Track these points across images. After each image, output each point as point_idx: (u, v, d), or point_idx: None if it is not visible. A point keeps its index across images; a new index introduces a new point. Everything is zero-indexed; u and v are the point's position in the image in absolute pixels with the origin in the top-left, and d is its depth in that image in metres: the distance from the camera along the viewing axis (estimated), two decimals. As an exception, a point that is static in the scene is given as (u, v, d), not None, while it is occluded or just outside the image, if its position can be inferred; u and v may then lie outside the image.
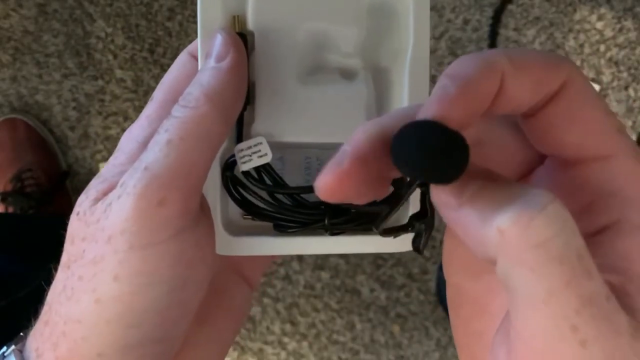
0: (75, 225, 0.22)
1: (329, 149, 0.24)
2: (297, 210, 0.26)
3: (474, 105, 0.16)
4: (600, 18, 0.90)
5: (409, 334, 0.93)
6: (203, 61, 0.25)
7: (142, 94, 0.91)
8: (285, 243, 0.26)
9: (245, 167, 0.25)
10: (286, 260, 0.93)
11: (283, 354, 0.94)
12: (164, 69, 0.91)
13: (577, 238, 0.15)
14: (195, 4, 0.92)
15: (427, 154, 0.15)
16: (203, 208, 0.24)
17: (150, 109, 0.25)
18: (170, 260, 0.21)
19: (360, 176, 0.17)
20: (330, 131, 0.26)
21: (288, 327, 0.94)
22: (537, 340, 0.15)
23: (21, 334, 0.24)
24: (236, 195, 0.26)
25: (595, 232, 0.17)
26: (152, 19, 0.90)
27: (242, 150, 0.25)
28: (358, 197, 0.17)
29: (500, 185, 0.16)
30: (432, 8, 0.90)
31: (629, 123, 0.91)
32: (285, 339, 0.94)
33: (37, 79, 0.90)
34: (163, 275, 0.21)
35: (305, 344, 0.94)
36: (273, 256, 0.28)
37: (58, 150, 0.89)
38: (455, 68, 0.16)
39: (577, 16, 0.90)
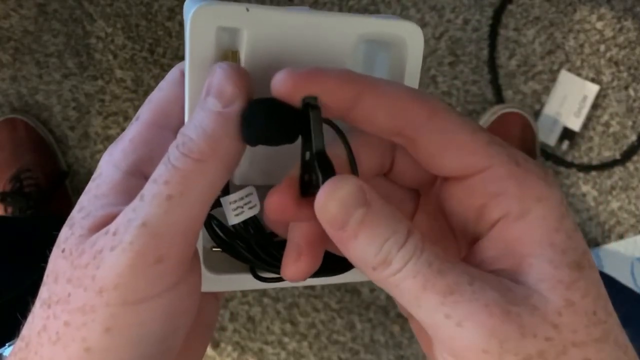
0: (60, 264, 0.21)
1: None
2: (274, 264, 0.25)
3: (316, 90, 0.20)
4: (600, 18, 0.90)
5: (409, 333, 0.93)
6: (193, 96, 0.23)
7: (142, 94, 0.91)
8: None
9: (236, 220, 0.24)
10: (286, 260, 0.93)
11: (283, 354, 0.94)
12: (164, 69, 0.91)
13: (427, 252, 0.19)
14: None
15: (270, 118, 0.20)
16: (195, 254, 0.23)
17: (135, 131, 0.24)
18: (164, 313, 0.21)
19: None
20: None
21: (288, 327, 0.94)
22: (429, 331, 0.20)
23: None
24: (216, 236, 0.25)
25: (490, 228, 0.21)
26: (152, 19, 0.90)
27: (234, 201, 0.24)
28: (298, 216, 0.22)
29: (378, 222, 0.19)
30: (432, 8, 0.90)
31: (629, 123, 0.92)
32: (285, 339, 0.94)
33: (37, 79, 0.90)
34: (156, 328, 0.21)
35: (305, 344, 0.94)
36: None
37: (58, 150, 0.89)
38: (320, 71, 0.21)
39: (577, 16, 0.90)
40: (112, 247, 0.20)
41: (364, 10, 0.90)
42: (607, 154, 0.92)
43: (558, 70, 0.91)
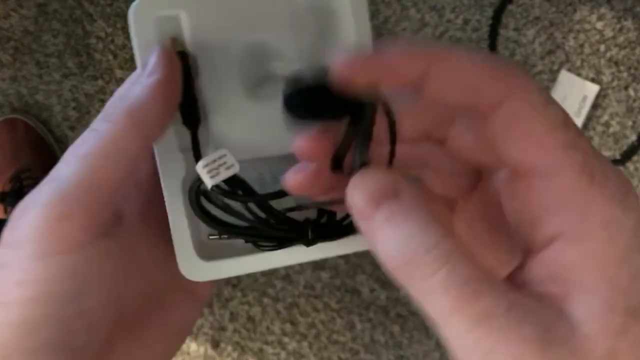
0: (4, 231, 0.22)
1: (285, 161, 0.24)
2: (278, 227, 0.25)
3: (376, 73, 0.18)
4: (600, 18, 0.90)
5: (409, 333, 0.93)
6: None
7: (142, 94, 0.91)
8: (258, 259, 0.26)
9: (214, 181, 0.24)
10: (286, 260, 0.93)
11: (283, 354, 0.94)
12: (164, 69, 0.91)
13: (463, 266, 0.17)
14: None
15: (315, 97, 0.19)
16: (125, 222, 0.24)
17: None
18: (69, 271, 0.21)
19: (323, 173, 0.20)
20: (285, 141, 0.24)
21: (288, 327, 0.94)
22: (455, 352, 0.17)
23: None
24: (207, 216, 0.25)
25: (544, 243, 0.18)
26: (152, 19, 0.90)
27: (207, 165, 0.24)
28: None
29: (407, 218, 0.18)
30: (432, 8, 0.90)
31: (629, 123, 0.92)
32: (286, 339, 0.94)
33: (37, 79, 0.90)
34: (62, 286, 0.21)
35: (305, 344, 0.94)
36: None
37: (58, 150, 0.89)
38: (387, 46, 0.19)
39: (577, 16, 0.90)
40: (29, 204, 0.21)
41: (364, 10, 0.90)
42: (607, 154, 0.92)
43: (558, 70, 0.91)
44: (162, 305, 0.26)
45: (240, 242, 0.26)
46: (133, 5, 0.24)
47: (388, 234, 0.18)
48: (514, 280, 0.19)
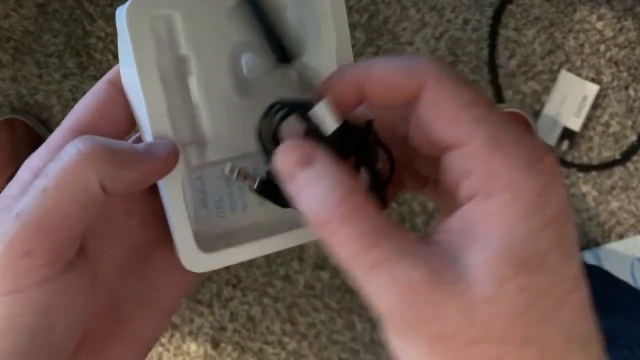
0: None
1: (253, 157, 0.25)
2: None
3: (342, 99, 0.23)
4: (600, 18, 0.90)
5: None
6: (149, 92, 0.24)
7: (142, 94, 0.91)
8: (252, 247, 0.26)
9: (334, 125, 0.23)
10: (286, 259, 0.93)
11: (283, 354, 0.94)
12: (164, 69, 0.91)
13: (363, 221, 0.19)
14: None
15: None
16: (84, 252, 0.23)
17: (54, 137, 0.25)
18: (32, 307, 0.21)
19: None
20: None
21: (288, 327, 0.94)
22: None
23: None
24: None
25: (464, 203, 0.21)
26: (152, 19, 0.90)
27: (315, 114, 0.23)
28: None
29: (318, 181, 0.20)
30: (432, 8, 0.90)
31: (629, 123, 0.92)
32: (286, 339, 0.94)
33: (37, 79, 0.90)
34: (24, 322, 0.21)
35: (305, 344, 0.94)
36: (194, 279, 0.28)
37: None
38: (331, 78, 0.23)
39: (577, 16, 0.90)
40: None
41: (364, 10, 0.90)
42: (607, 154, 0.92)
43: (558, 70, 0.91)
44: (123, 324, 0.26)
45: (234, 232, 0.27)
46: (125, 6, 0.24)
47: (306, 196, 0.20)
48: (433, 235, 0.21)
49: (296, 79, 0.27)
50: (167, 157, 0.24)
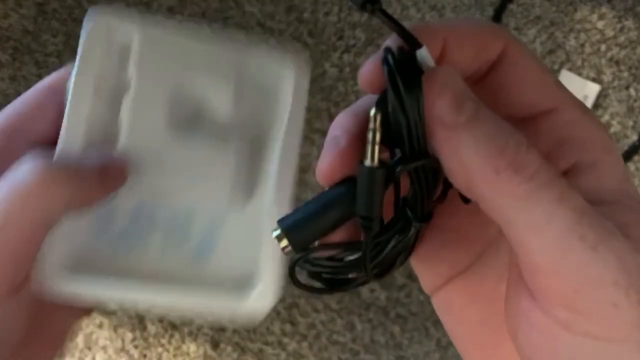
0: None
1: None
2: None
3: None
4: (601, 17, 0.90)
5: (409, 334, 0.93)
6: (76, 102, 0.24)
7: (141, 93, 0.91)
8: (129, 286, 0.25)
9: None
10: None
11: (283, 355, 0.94)
12: (164, 68, 0.91)
13: (551, 165, 0.17)
14: (195, 3, 0.92)
15: None
16: (22, 286, 0.23)
17: None
18: None
19: (356, 154, 0.19)
20: (197, 188, 0.25)
21: (288, 327, 0.94)
22: (551, 260, 0.16)
23: None
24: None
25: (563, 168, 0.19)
26: (152, 19, 0.90)
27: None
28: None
29: (493, 117, 0.17)
30: (433, 7, 0.90)
31: (630, 123, 0.91)
32: (285, 340, 0.94)
33: (36, 78, 0.90)
34: None
35: (305, 344, 0.94)
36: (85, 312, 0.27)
37: (57, 150, 0.89)
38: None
39: (577, 15, 0.90)
40: None
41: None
42: (608, 154, 0.92)
43: (559, 70, 0.91)
44: (47, 322, 0.26)
45: (117, 266, 0.26)
46: (88, 22, 0.24)
47: (480, 133, 0.17)
48: None
49: (235, 141, 0.26)
50: (123, 175, 0.23)
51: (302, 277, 0.22)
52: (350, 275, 0.21)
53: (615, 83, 0.91)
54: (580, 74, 0.91)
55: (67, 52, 0.90)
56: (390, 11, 0.90)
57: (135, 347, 0.93)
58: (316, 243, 0.21)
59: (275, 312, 0.94)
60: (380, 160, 0.18)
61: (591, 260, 0.16)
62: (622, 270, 0.16)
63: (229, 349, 0.94)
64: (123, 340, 0.93)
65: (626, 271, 0.16)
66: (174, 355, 0.95)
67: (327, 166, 0.19)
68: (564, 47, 0.91)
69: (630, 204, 0.18)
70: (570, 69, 0.91)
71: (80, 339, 0.93)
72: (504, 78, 0.20)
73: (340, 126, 0.19)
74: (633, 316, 0.16)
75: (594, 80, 0.90)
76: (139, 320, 0.93)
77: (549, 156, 0.19)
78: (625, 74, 0.91)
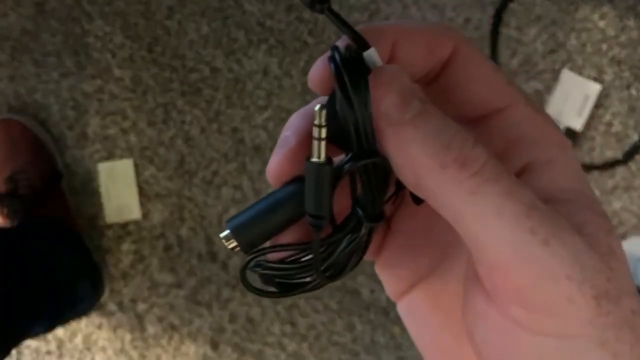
0: None
1: None
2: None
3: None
4: (602, 17, 0.90)
5: (409, 335, 0.93)
6: None
7: (140, 93, 0.90)
8: None
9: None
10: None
11: (283, 356, 0.94)
12: (163, 67, 0.90)
13: (499, 161, 0.17)
14: (195, 3, 0.91)
15: None
16: None
17: None
18: None
19: (305, 153, 0.18)
20: None
21: (288, 328, 0.94)
22: (502, 254, 0.16)
23: None
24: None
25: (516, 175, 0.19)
26: (151, 18, 0.90)
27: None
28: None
29: (439, 114, 0.17)
30: (434, 7, 0.90)
31: (631, 122, 0.91)
32: (285, 340, 0.94)
33: (35, 78, 0.90)
34: None
35: (305, 345, 0.94)
36: None
37: (55, 150, 0.89)
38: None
39: (579, 15, 0.90)
40: None
41: (364, 9, 0.90)
42: (609, 154, 0.91)
43: (560, 70, 0.90)
44: None
45: None
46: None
47: (426, 130, 0.17)
48: None
49: None
50: None
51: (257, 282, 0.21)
52: (304, 279, 0.21)
53: (617, 82, 0.91)
54: (581, 74, 0.90)
55: (65, 52, 0.90)
56: (390, 11, 0.90)
57: (135, 348, 0.93)
58: (267, 244, 0.20)
59: (275, 313, 0.93)
60: (327, 157, 0.18)
61: (543, 254, 0.16)
62: (575, 265, 0.16)
63: (229, 349, 0.94)
64: (122, 341, 0.93)
65: (579, 266, 0.16)
66: (173, 356, 0.94)
67: (276, 165, 0.19)
68: (565, 47, 0.90)
69: (584, 201, 0.18)
70: (571, 69, 0.90)
71: (79, 340, 0.93)
72: (455, 78, 0.20)
73: (290, 126, 0.19)
74: (588, 311, 0.16)
75: (595, 79, 0.90)
76: (138, 321, 0.93)
77: (503, 155, 0.19)
78: (627, 74, 0.91)
